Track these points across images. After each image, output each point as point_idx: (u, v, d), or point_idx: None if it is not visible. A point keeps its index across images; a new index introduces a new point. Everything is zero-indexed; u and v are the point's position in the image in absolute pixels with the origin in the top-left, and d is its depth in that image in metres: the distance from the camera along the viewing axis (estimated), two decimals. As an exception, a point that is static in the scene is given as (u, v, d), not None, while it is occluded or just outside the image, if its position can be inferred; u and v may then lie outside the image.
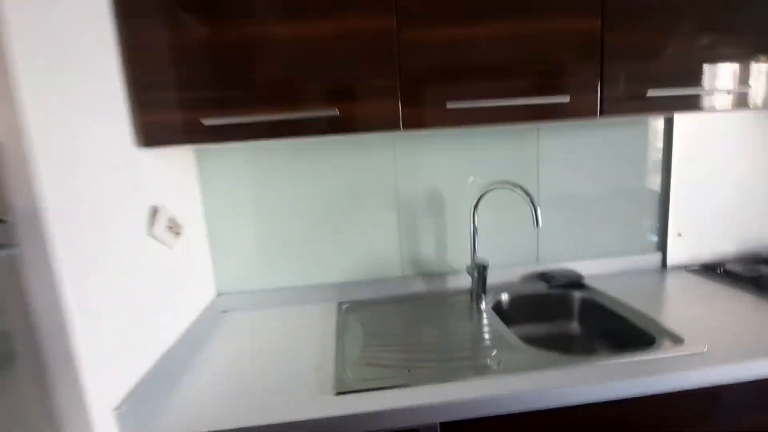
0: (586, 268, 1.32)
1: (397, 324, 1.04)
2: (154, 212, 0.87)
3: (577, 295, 1.18)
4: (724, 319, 0.95)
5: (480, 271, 1.14)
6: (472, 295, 1.17)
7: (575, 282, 1.24)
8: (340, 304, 1.20)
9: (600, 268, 1.33)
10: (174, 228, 0.93)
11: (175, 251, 0.95)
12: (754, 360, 0.77)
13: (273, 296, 1.22)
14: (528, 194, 1.00)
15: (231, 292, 1.22)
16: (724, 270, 1.24)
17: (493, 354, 0.85)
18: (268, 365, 0.87)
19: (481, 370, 0.79)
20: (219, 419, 0.70)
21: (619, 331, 1.02)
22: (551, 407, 0.73)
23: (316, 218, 1.21)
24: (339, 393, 0.74)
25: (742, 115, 1.29)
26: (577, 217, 1.31)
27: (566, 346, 1.14)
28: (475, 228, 1.15)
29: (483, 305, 1.13)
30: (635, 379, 0.74)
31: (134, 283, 0.77)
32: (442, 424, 0.72)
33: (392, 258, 1.26)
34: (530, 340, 0.88)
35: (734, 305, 1.02)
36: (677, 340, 0.86)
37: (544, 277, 1.28)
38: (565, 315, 1.20)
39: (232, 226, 1.19)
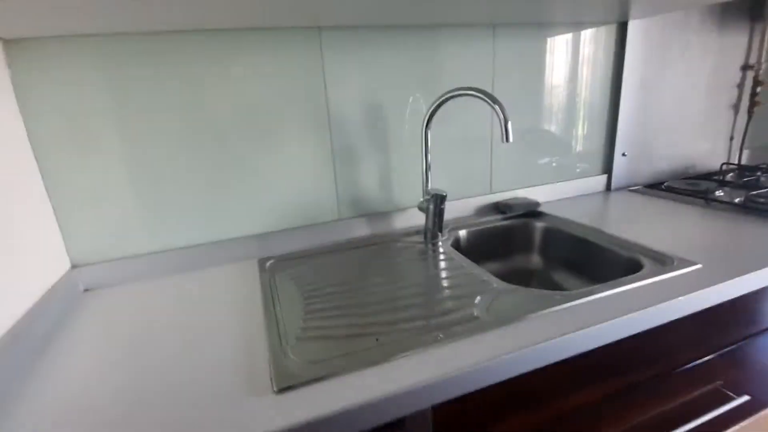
0: (537, 195, 1.20)
1: (343, 279, 0.79)
2: None
3: (538, 225, 1.06)
4: (693, 233, 0.89)
5: (437, 203, 0.93)
6: (426, 234, 0.97)
7: (533, 210, 1.11)
8: (261, 262, 0.91)
9: (550, 194, 1.22)
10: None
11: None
12: (749, 273, 0.70)
13: (163, 261, 0.88)
14: (496, 102, 0.79)
15: (94, 261, 0.84)
16: (667, 187, 1.22)
17: (477, 301, 0.66)
18: (163, 360, 0.57)
19: (471, 325, 0.59)
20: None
21: (595, 258, 0.91)
22: (572, 355, 0.57)
23: (218, 149, 0.87)
24: (281, 390, 0.48)
25: (683, 19, 1.23)
26: (530, 141, 1.16)
27: (540, 282, 1.03)
28: (427, 151, 0.93)
29: (441, 244, 0.94)
30: (656, 306, 0.61)
31: None
32: (436, 408, 0.52)
33: (325, 196, 0.99)
34: (504, 279, 0.72)
35: (695, 220, 0.97)
36: (667, 260, 0.76)
37: (498, 207, 1.13)
38: (527, 247, 1.07)
39: (85, 171, 0.80)
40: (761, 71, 1.38)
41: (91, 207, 0.82)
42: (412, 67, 0.98)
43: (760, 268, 0.70)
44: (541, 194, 1.20)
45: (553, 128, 1.17)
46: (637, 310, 0.60)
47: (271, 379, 0.50)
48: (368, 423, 0.46)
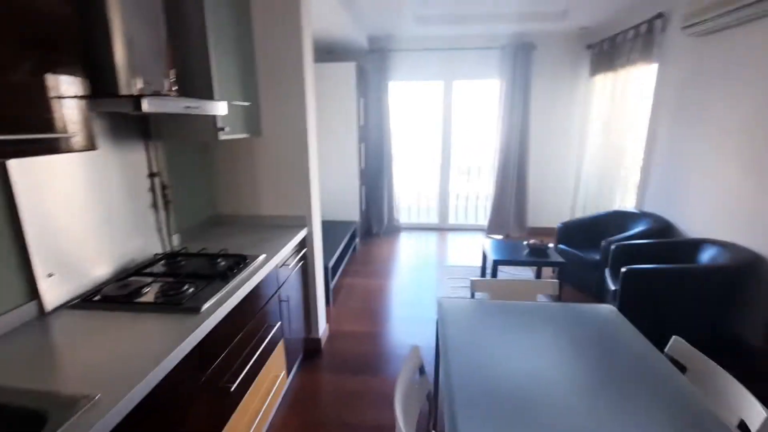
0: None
1: None
2: None
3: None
4: (112, 351, 1.03)
5: None
6: None
7: None
8: None
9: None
10: None
11: None
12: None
13: None
14: None
15: None
16: (103, 297, 1.34)
17: None
18: None
19: None
20: None
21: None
22: None
23: None
24: None
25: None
26: None
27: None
28: None
29: None
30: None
31: None
32: None
33: None
34: None
35: (116, 333, 1.13)
36: (71, 402, 0.83)
37: None
38: None
39: None
40: (164, 177, 1.79)
41: None
42: None
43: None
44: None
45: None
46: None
47: None
48: None
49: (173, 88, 1.36)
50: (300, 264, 2.24)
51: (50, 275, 1.26)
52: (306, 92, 2.13)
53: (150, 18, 1.35)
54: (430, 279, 3.67)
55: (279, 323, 1.86)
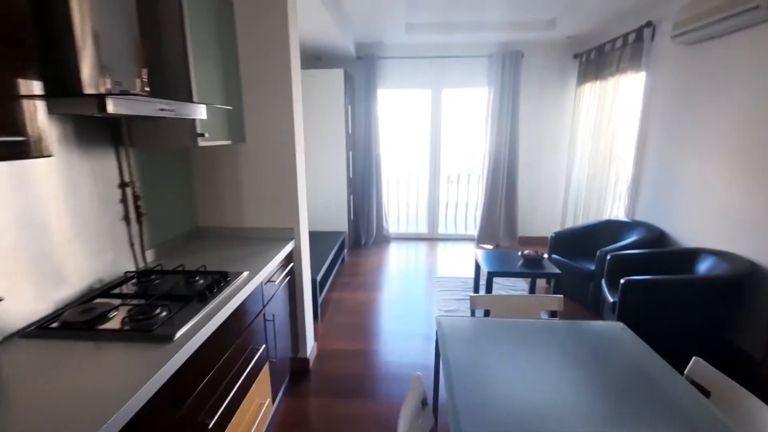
0: None
1: None
2: None
3: None
4: (70, 389, 0.88)
5: None
6: None
7: None
8: None
9: None
10: None
11: None
12: None
13: None
14: None
15: None
16: (62, 324, 1.18)
17: None
18: None
19: None
20: None
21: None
22: None
23: None
24: None
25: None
26: None
27: None
28: None
29: None
30: None
31: None
32: None
33: None
34: None
35: (75, 366, 0.98)
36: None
37: None
38: None
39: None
40: (137, 187, 1.64)
41: None
42: None
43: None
44: None
45: None
46: None
47: None
48: None
49: (146, 89, 1.23)
50: (287, 279, 2.10)
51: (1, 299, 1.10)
52: (293, 97, 2.01)
53: (120, 12, 1.23)
54: (421, 291, 3.55)
55: (264, 346, 1.71)
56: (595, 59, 3.96)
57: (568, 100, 4.60)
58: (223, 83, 1.77)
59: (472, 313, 1.59)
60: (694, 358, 1.22)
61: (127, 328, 1.15)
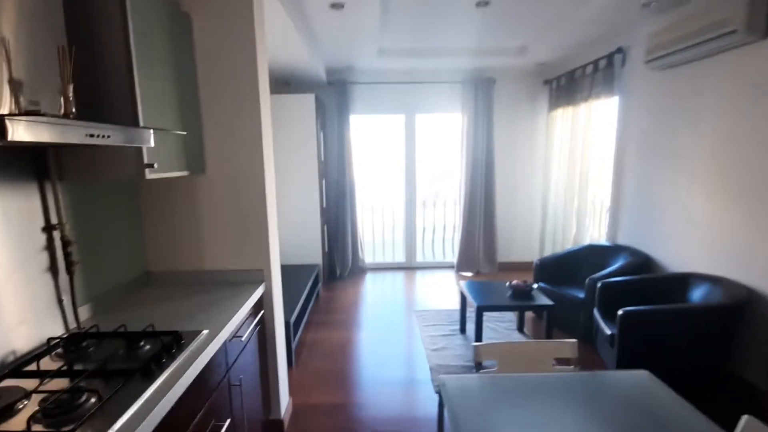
0: None
1: None
2: None
3: None
4: None
5: None
6: None
7: None
8: None
9: None
10: None
11: None
12: None
13: None
14: None
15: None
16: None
17: None
18: None
19: None
20: None
21: None
22: None
23: None
24: None
25: None
26: None
27: None
28: None
29: None
30: None
31: None
32: None
33: None
34: None
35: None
36: None
37: None
38: None
39: None
40: (67, 230, 1.34)
41: None
42: None
43: None
44: None
45: None
46: None
47: None
48: None
49: (71, 110, 0.97)
50: (257, 330, 1.80)
51: None
52: (262, 121, 1.79)
53: (39, 18, 0.98)
54: (402, 327, 3.30)
55: (229, 420, 1.40)
56: (566, 85, 3.99)
57: (540, 125, 4.62)
58: (177, 105, 1.52)
59: (477, 367, 1.37)
60: (745, 416, 1.04)
61: (39, 427, 0.84)
